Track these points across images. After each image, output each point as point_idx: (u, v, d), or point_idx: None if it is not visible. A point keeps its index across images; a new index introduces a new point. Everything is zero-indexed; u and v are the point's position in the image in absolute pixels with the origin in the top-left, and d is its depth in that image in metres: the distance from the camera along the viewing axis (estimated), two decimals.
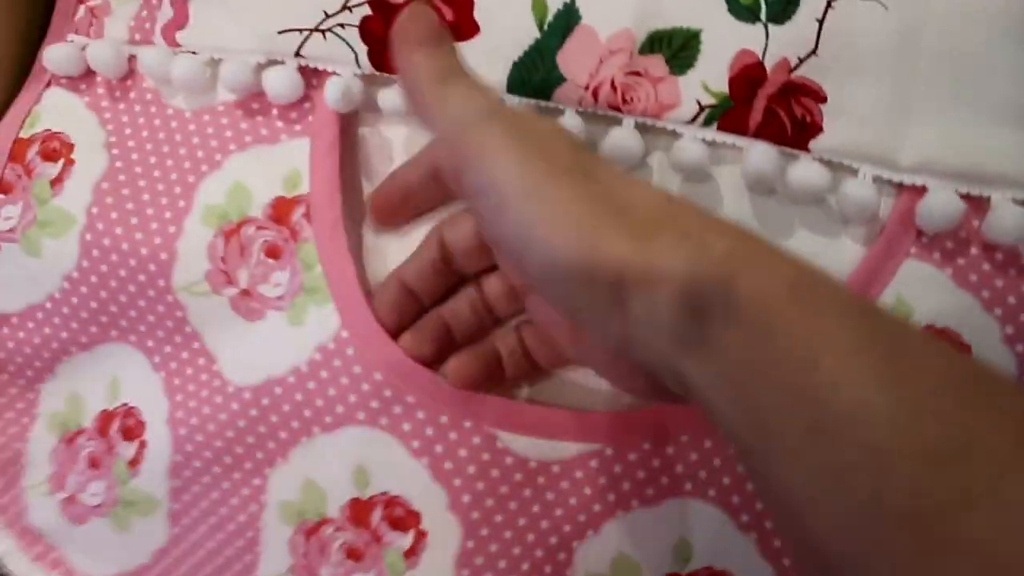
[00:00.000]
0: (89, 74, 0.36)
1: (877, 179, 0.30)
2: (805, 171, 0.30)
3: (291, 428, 0.31)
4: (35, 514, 0.35)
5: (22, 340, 0.35)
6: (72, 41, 0.36)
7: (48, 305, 0.34)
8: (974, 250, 0.30)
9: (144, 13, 0.35)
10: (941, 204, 0.29)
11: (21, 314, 0.35)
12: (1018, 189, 0.29)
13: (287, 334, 0.31)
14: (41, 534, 0.35)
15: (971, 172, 0.29)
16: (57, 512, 0.34)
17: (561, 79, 0.31)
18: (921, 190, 0.30)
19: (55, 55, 0.35)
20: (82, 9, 0.36)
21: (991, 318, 0.29)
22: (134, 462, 0.33)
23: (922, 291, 0.29)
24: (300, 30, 0.33)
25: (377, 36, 0.32)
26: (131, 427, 0.33)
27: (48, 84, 0.36)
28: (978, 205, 0.30)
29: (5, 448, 0.36)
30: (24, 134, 0.35)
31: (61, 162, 0.34)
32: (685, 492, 0.30)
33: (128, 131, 0.34)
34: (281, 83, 0.32)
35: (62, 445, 0.35)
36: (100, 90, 0.35)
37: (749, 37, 0.30)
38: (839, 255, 0.30)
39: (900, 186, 0.30)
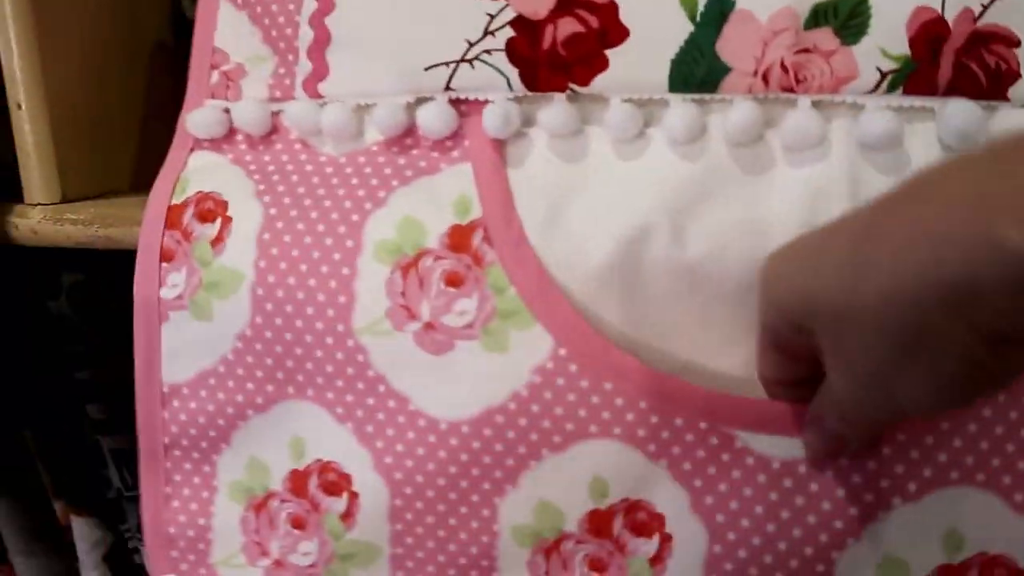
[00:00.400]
0: (231, 134, 0.36)
1: None
2: (1010, 121, 0.28)
3: (518, 454, 0.30)
4: None
5: (194, 411, 0.34)
6: (210, 106, 0.36)
7: (221, 369, 0.33)
8: None
9: (282, 71, 0.35)
10: None
11: (192, 383, 0.34)
12: None
13: (490, 362, 0.30)
14: None
15: None
16: None
17: (726, 69, 0.30)
18: None
19: (199, 120, 0.35)
20: (216, 74, 0.37)
21: None
22: (347, 515, 0.32)
23: None
24: (447, 63, 0.32)
25: (525, 56, 0.32)
26: (333, 482, 0.32)
27: (192, 149, 0.36)
28: None
29: (188, 526, 0.35)
30: (176, 200, 0.35)
31: (218, 220, 0.34)
32: (951, 481, 0.27)
33: (276, 178, 0.34)
34: (436, 119, 0.32)
35: (250, 513, 0.34)
36: (243, 146, 0.35)
37: None
38: None
39: None
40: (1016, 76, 0.28)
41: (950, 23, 0.29)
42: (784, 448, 0.28)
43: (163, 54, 0.43)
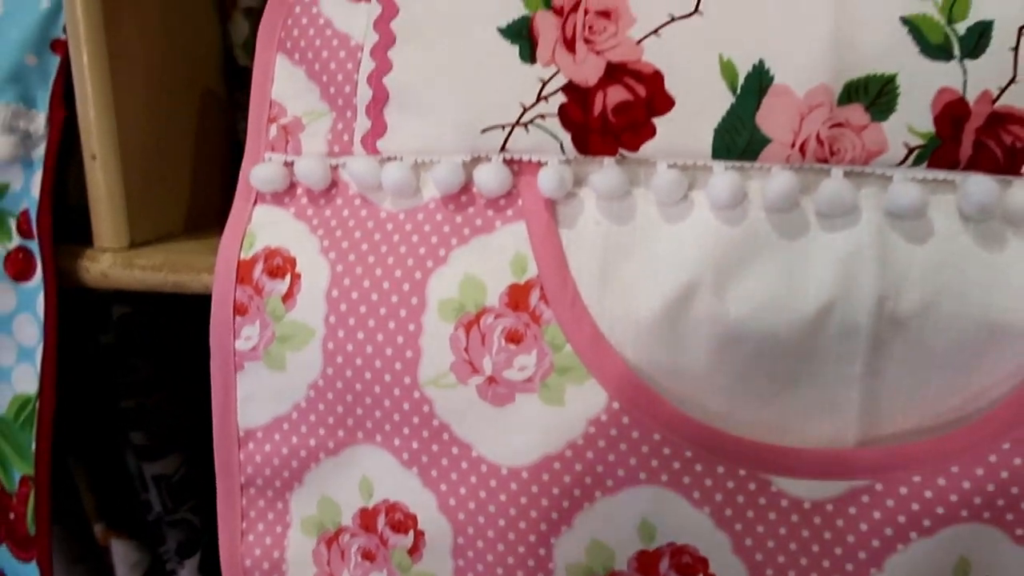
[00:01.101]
0: (292, 187, 0.38)
1: None
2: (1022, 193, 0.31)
3: (573, 497, 0.33)
4: None
5: (268, 453, 0.37)
6: (271, 159, 0.38)
7: (294, 415, 0.36)
8: None
9: (340, 126, 0.37)
10: None
11: (267, 427, 0.37)
12: None
13: (548, 414, 0.33)
14: None
15: None
16: None
17: (766, 140, 0.33)
18: None
19: (263, 175, 0.37)
20: (274, 127, 0.38)
21: None
22: (414, 550, 0.35)
23: None
24: (503, 126, 0.35)
25: (577, 122, 0.34)
26: (400, 520, 0.35)
27: (255, 202, 0.38)
28: None
29: (264, 559, 0.38)
30: (245, 255, 0.37)
31: (288, 277, 0.36)
32: (961, 519, 0.31)
33: (339, 234, 0.36)
34: (493, 179, 0.34)
35: (322, 547, 0.37)
36: (304, 200, 0.37)
37: (946, 75, 0.32)
38: None
39: None
40: None
41: (970, 104, 0.31)
42: (814, 490, 0.32)
43: (213, 102, 0.44)
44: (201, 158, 0.44)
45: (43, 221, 0.38)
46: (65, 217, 0.40)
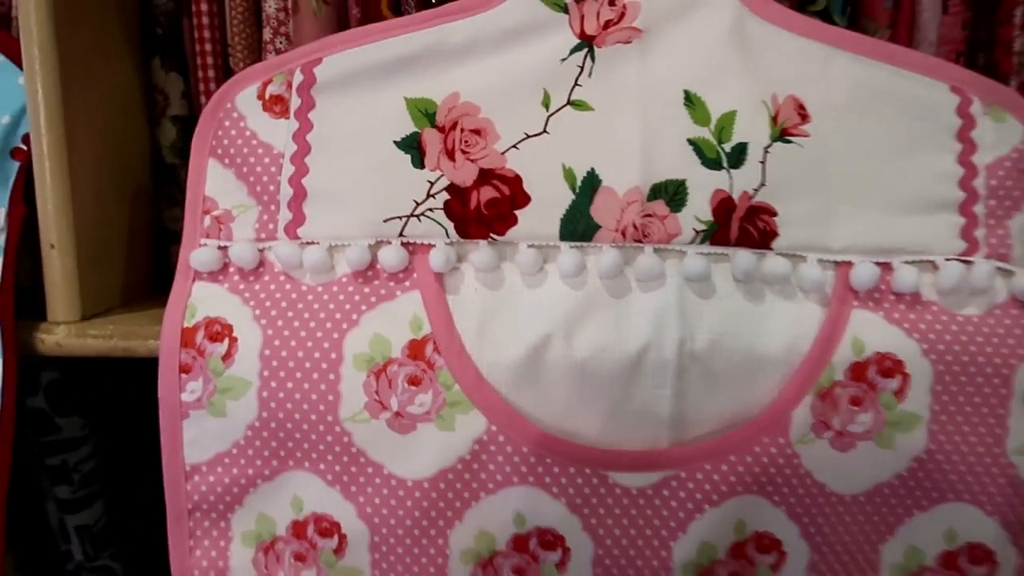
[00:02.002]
0: (225, 267, 0.46)
1: (820, 261, 0.44)
2: (772, 263, 0.44)
3: (463, 498, 0.43)
4: None
5: (212, 483, 0.44)
6: (207, 244, 0.46)
7: (234, 451, 0.44)
8: (892, 297, 0.44)
9: (265, 217, 0.46)
10: (865, 271, 0.44)
11: (210, 462, 0.44)
12: (908, 255, 0.44)
13: (442, 437, 0.43)
14: None
15: (879, 248, 0.44)
16: None
17: (597, 226, 0.44)
18: (850, 264, 0.44)
19: (201, 257, 0.45)
20: (208, 219, 0.47)
21: (913, 341, 0.44)
22: (338, 550, 0.44)
23: (868, 331, 0.44)
24: (400, 217, 0.45)
25: (458, 214, 0.45)
26: (326, 528, 0.44)
27: (193, 280, 0.46)
28: (887, 268, 0.44)
29: (210, 568, 0.45)
30: (187, 323, 0.45)
31: (226, 340, 0.44)
32: (737, 493, 0.43)
33: (268, 304, 0.45)
34: (393, 258, 0.44)
35: (260, 554, 0.45)
36: (236, 277, 0.46)
37: (719, 180, 0.44)
38: (807, 316, 0.44)
39: (836, 263, 0.44)
40: (775, 235, 0.44)
41: (735, 200, 0.44)
42: (638, 480, 0.43)
43: (143, 195, 0.52)
44: (134, 243, 0.52)
45: (4, 300, 0.44)
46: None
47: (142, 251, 0.52)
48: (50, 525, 0.56)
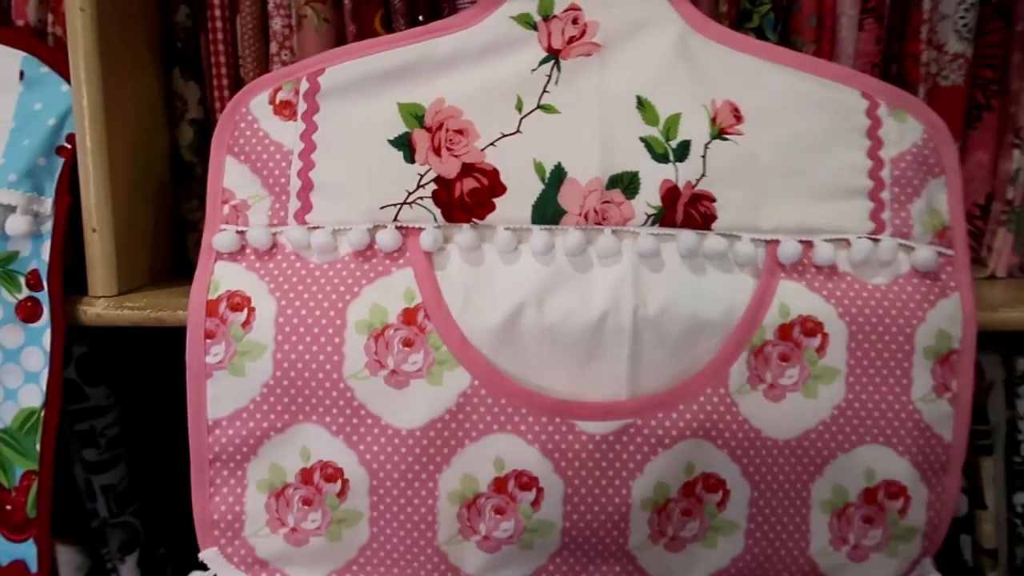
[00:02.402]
0: (242, 249, 0.53)
1: (752, 240, 0.52)
2: (712, 242, 0.51)
3: (451, 445, 0.50)
4: (262, 550, 0.51)
5: (231, 435, 0.51)
6: (227, 229, 0.53)
7: (251, 407, 0.51)
8: (813, 269, 0.52)
9: (277, 206, 0.53)
10: (790, 248, 0.51)
11: (229, 417, 0.51)
12: (826, 234, 0.52)
13: (432, 391, 0.50)
14: (268, 562, 0.51)
15: (802, 228, 0.52)
16: (281, 543, 0.51)
17: (563, 212, 0.52)
18: (777, 242, 0.52)
19: (222, 240, 0.52)
20: (226, 207, 0.54)
21: (831, 306, 0.51)
22: (341, 493, 0.50)
23: (793, 298, 0.51)
24: (394, 204, 0.52)
25: (444, 201, 0.52)
26: (331, 474, 0.50)
27: (216, 259, 0.53)
28: (808, 245, 0.52)
29: (228, 513, 0.52)
30: (211, 296, 0.52)
31: (246, 310, 0.51)
32: (686, 437, 0.50)
33: (280, 280, 0.52)
34: (389, 239, 0.51)
35: (272, 499, 0.51)
36: (252, 257, 0.53)
37: (666, 172, 0.52)
38: (742, 286, 0.51)
39: (766, 241, 0.52)
40: (715, 218, 0.52)
41: (680, 189, 0.52)
42: (601, 428, 0.50)
43: (164, 189, 0.59)
44: (158, 230, 0.58)
45: (54, 277, 0.51)
46: None
47: (164, 237, 0.59)
48: (77, 485, 0.62)
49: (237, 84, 0.60)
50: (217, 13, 0.59)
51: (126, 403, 0.63)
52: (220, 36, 0.60)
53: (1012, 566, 0.63)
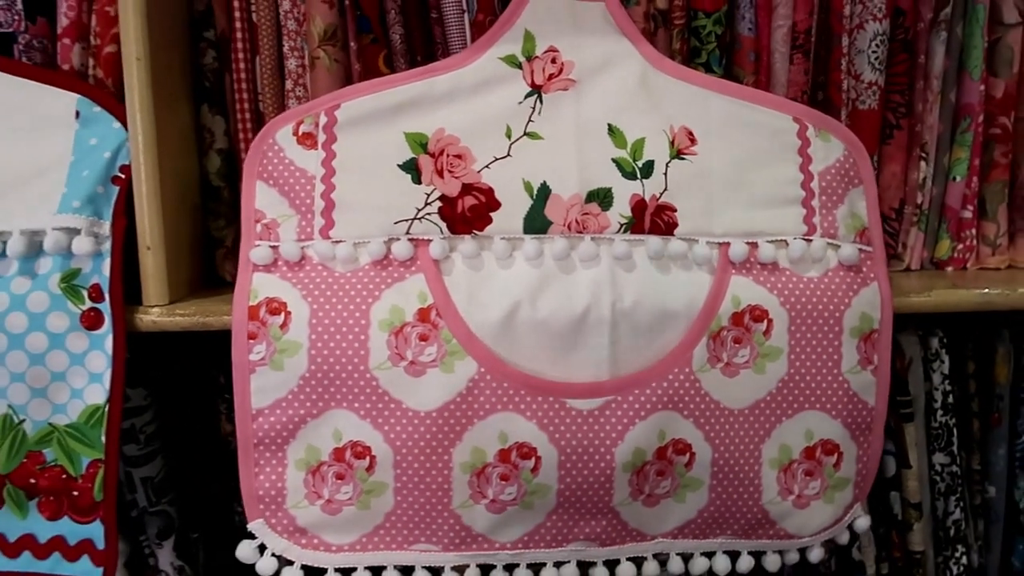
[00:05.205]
0: (275, 261, 0.61)
1: (708, 243, 0.62)
2: (674, 245, 0.62)
3: (462, 423, 0.59)
4: (302, 520, 0.60)
5: (272, 422, 0.60)
6: (261, 245, 0.61)
7: (289, 397, 0.59)
8: (758, 266, 0.63)
9: (303, 223, 0.62)
10: (739, 248, 0.62)
11: (271, 406, 0.60)
12: (768, 236, 0.63)
13: (444, 378, 0.59)
14: (307, 529, 0.60)
15: (748, 231, 0.63)
16: (318, 513, 0.60)
17: (549, 223, 0.61)
18: (728, 244, 0.62)
19: (258, 254, 0.60)
20: (259, 226, 0.62)
21: (774, 296, 0.62)
22: (369, 468, 0.59)
23: (743, 290, 0.62)
24: (406, 220, 0.61)
25: (448, 216, 0.61)
26: (360, 451, 0.59)
27: (253, 271, 0.61)
28: (754, 246, 0.63)
29: (271, 489, 0.60)
30: (252, 302, 0.60)
31: (283, 314, 0.60)
32: (658, 409, 0.60)
33: (311, 287, 0.60)
34: (403, 250, 0.60)
35: (309, 476, 0.60)
36: (284, 268, 0.61)
37: (635, 187, 0.62)
38: (700, 282, 0.62)
39: (719, 244, 0.62)
40: (676, 225, 0.62)
41: (647, 201, 0.62)
42: (587, 404, 0.60)
43: (196, 211, 0.68)
44: (193, 247, 0.67)
45: (115, 290, 0.58)
46: None
47: (198, 252, 0.67)
48: (118, 477, 0.70)
49: (257, 117, 0.68)
50: (240, 56, 0.67)
51: (162, 403, 0.70)
52: (243, 75, 0.68)
53: (934, 516, 0.74)
